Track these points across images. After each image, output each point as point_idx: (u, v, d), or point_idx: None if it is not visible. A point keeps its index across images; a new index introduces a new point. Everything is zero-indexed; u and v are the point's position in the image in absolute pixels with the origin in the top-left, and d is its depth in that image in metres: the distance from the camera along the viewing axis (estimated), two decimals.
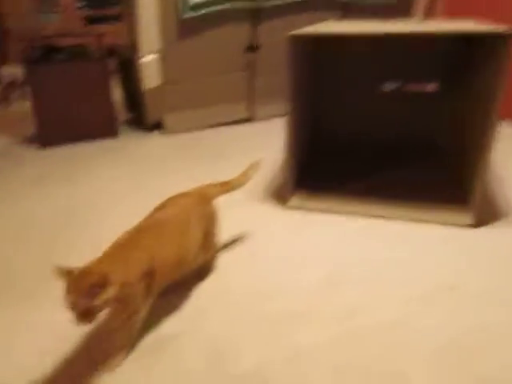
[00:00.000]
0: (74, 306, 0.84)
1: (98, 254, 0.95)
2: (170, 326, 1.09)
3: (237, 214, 1.62)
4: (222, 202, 1.68)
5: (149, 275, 0.97)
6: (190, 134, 2.60)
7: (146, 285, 0.97)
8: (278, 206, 1.67)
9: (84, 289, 0.84)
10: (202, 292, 1.21)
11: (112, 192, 1.85)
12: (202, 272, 1.24)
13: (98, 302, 0.85)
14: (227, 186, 1.29)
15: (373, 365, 0.96)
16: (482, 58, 1.62)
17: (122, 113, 2.79)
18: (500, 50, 1.33)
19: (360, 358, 0.98)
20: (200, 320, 1.10)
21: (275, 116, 2.72)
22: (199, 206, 1.17)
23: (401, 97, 2.21)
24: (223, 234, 1.49)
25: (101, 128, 2.54)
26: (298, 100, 1.66)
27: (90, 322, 0.87)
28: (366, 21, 2.10)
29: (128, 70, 2.65)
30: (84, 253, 0.97)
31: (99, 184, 1.94)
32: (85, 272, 0.88)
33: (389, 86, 2.25)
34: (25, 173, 2.11)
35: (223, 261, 1.33)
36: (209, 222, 1.20)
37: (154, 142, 2.50)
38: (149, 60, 2.43)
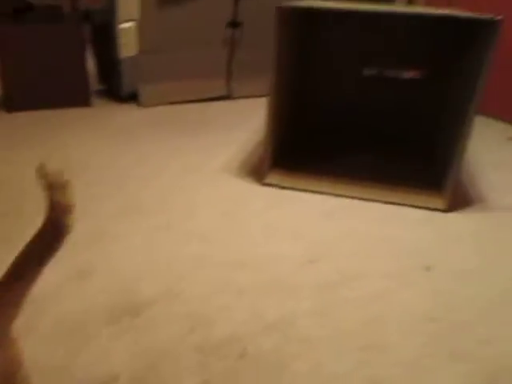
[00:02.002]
0: None
1: None
2: (147, 291, 1.06)
3: (212, 189, 1.61)
4: (196, 178, 1.68)
5: None
6: (166, 107, 2.54)
7: None
8: (255, 182, 1.65)
9: None
10: (182, 260, 1.19)
11: (82, 161, 1.80)
12: None
13: None
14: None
15: (349, 337, 0.96)
16: (466, 46, 1.64)
17: (94, 82, 2.69)
18: (486, 38, 1.34)
19: (336, 330, 0.98)
20: (178, 287, 1.09)
21: (254, 94, 2.70)
22: None
23: (383, 81, 2.23)
24: (201, 208, 1.47)
25: (73, 96, 2.44)
26: (281, 77, 1.64)
27: None
28: (352, 2, 2.09)
29: (103, 36, 2.54)
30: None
31: (69, 151, 1.87)
32: None
33: (369, 71, 2.26)
34: None
35: (202, 232, 1.31)
36: None
37: (128, 113, 2.43)
38: (127, 27, 2.34)
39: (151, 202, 1.48)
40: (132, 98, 2.56)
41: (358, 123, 2.22)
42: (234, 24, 2.64)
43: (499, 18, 1.27)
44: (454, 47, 1.83)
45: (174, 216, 1.41)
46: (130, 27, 2.35)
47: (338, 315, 1.02)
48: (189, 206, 1.47)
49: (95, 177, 1.64)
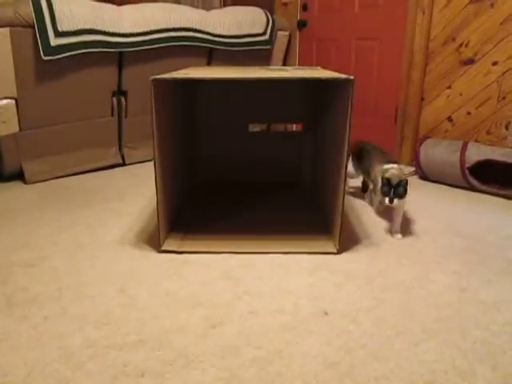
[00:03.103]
0: None
1: None
2: None
3: (108, 264, 1.55)
4: (90, 254, 1.61)
5: None
6: (55, 181, 2.44)
7: None
8: (153, 251, 1.62)
9: None
10: (76, 349, 1.11)
11: None
12: None
13: None
14: None
15: None
16: (332, 100, 1.82)
17: None
18: (345, 93, 1.51)
19: None
20: (73, 380, 1.01)
21: (148, 159, 2.70)
22: None
23: (271, 137, 2.37)
24: (96, 287, 1.40)
25: None
26: (166, 144, 1.67)
27: None
28: (229, 67, 2.23)
29: None
30: None
31: None
32: None
33: (254, 128, 2.40)
34: None
35: (97, 314, 1.25)
36: None
37: (12, 192, 2.29)
38: (4, 104, 2.25)
39: (41, 289, 1.38)
40: (17, 175, 2.43)
41: (249, 177, 2.32)
42: (120, 92, 2.66)
43: (352, 77, 1.44)
44: (325, 101, 2.01)
45: (66, 301, 1.32)
46: (7, 104, 2.26)
47: (242, 379, 1.02)
48: (83, 287, 1.40)
49: None
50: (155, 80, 1.45)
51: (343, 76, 1.48)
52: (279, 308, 1.29)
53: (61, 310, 1.27)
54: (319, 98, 2.16)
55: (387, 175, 1.67)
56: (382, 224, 1.91)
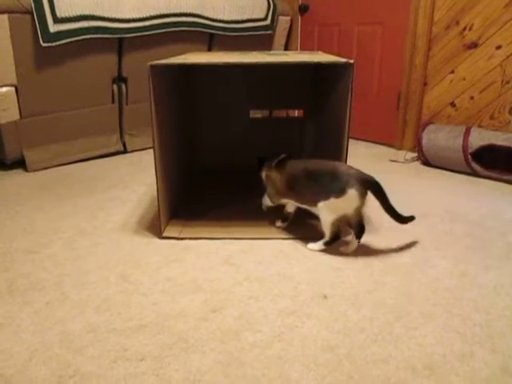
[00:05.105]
0: None
1: None
2: (38, 374, 0.98)
3: (109, 250, 1.56)
4: (91, 241, 1.62)
5: None
6: (57, 169, 2.44)
7: None
8: (154, 237, 1.63)
9: None
10: (77, 334, 1.12)
11: None
12: None
13: None
14: None
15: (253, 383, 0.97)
16: (333, 85, 1.80)
17: None
18: (346, 77, 1.50)
19: (240, 378, 0.98)
20: (73, 364, 1.02)
21: (149, 146, 2.70)
22: None
23: (272, 123, 2.36)
24: (97, 273, 1.41)
25: None
26: (166, 131, 1.67)
27: None
28: (230, 53, 2.21)
29: None
30: None
31: None
32: None
33: (255, 113, 2.38)
34: None
35: (98, 300, 1.26)
36: None
37: (13, 180, 2.29)
38: (3, 91, 2.24)
39: (42, 275, 1.39)
40: (19, 163, 2.44)
41: (251, 163, 2.30)
42: (120, 79, 2.65)
43: (352, 61, 1.43)
44: (326, 86, 2.00)
45: (68, 287, 1.33)
46: (7, 92, 2.25)
47: (241, 362, 1.03)
48: (84, 273, 1.40)
49: None
50: (153, 66, 1.44)
51: (343, 59, 1.47)
52: (279, 292, 1.29)
53: (62, 296, 1.28)
54: (320, 83, 2.14)
55: None
56: (380, 211, 1.90)
